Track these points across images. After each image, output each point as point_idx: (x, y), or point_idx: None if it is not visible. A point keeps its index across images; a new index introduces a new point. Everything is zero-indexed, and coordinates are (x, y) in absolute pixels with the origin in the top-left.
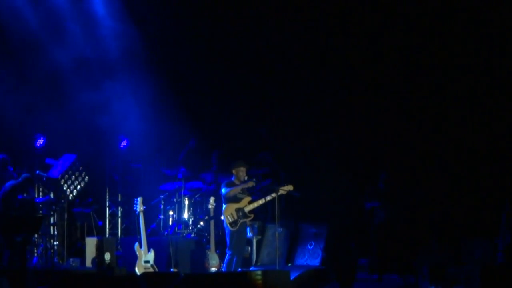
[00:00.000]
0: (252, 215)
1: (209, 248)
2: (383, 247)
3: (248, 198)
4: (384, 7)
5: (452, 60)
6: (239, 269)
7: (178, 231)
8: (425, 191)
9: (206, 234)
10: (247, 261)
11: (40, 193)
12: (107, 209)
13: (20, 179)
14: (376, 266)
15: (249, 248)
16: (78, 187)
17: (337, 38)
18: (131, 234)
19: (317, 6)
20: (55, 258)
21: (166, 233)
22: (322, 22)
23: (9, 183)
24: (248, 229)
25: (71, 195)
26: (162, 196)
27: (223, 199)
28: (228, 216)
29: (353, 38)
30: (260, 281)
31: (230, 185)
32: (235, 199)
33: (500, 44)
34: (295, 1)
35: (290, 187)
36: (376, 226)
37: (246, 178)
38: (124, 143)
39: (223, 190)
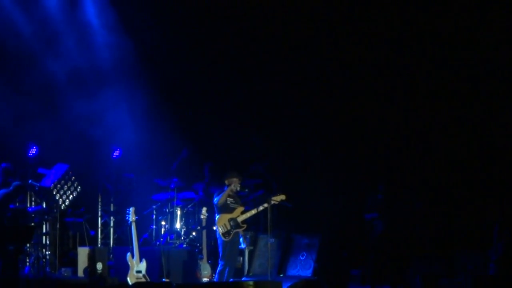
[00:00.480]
0: (245, 225)
1: (201, 258)
2: (379, 258)
3: (241, 208)
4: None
5: (449, 72)
6: (231, 280)
7: (170, 241)
8: (420, 203)
9: (198, 244)
10: (239, 272)
11: (33, 203)
12: (100, 218)
13: (11, 188)
14: (369, 277)
15: (241, 258)
16: (71, 196)
17: (332, 47)
18: (123, 244)
19: (310, 18)
20: (47, 268)
21: (158, 243)
22: (316, 32)
23: (0, 192)
24: (241, 240)
25: (63, 204)
26: (154, 206)
27: (216, 209)
28: (221, 226)
29: (349, 47)
30: None
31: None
32: (228, 209)
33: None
34: (286, 14)
35: (282, 197)
36: (375, 237)
37: (239, 188)
38: (116, 153)
39: (215, 199)
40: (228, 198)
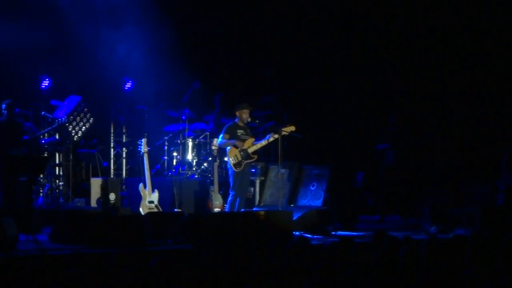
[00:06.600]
0: (255, 156)
1: (212, 189)
2: (389, 188)
3: (252, 139)
4: None
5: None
6: (242, 210)
7: (182, 172)
8: (430, 133)
9: (209, 175)
10: (250, 202)
11: (46, 134)
12: (112, 150)
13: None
14: (379, 207)
15: (252, 189)
16: (83, 128)
17: None
18: (136, 174)
19: None
20: (61, 198)
21: (170, 174)
22: None
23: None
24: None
25: (76, 136)
26: (166, 138)
27: None
28: (232, 157)
29: None
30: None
31: (230, 130)
32: (239, 141)
33: None
34: None
35: (292, 128)
36: (386, 167)
37: (249, 120)
38: (128, 84)
39: (220, 138)
40: (238, 130)
